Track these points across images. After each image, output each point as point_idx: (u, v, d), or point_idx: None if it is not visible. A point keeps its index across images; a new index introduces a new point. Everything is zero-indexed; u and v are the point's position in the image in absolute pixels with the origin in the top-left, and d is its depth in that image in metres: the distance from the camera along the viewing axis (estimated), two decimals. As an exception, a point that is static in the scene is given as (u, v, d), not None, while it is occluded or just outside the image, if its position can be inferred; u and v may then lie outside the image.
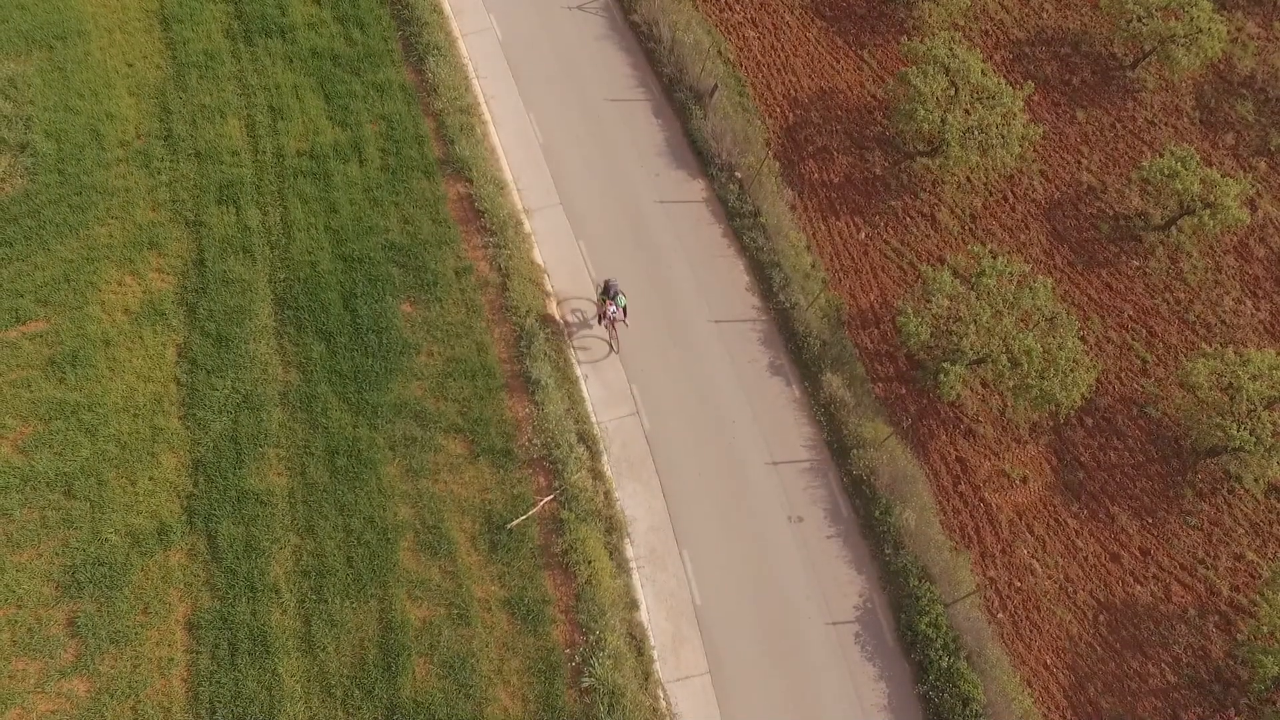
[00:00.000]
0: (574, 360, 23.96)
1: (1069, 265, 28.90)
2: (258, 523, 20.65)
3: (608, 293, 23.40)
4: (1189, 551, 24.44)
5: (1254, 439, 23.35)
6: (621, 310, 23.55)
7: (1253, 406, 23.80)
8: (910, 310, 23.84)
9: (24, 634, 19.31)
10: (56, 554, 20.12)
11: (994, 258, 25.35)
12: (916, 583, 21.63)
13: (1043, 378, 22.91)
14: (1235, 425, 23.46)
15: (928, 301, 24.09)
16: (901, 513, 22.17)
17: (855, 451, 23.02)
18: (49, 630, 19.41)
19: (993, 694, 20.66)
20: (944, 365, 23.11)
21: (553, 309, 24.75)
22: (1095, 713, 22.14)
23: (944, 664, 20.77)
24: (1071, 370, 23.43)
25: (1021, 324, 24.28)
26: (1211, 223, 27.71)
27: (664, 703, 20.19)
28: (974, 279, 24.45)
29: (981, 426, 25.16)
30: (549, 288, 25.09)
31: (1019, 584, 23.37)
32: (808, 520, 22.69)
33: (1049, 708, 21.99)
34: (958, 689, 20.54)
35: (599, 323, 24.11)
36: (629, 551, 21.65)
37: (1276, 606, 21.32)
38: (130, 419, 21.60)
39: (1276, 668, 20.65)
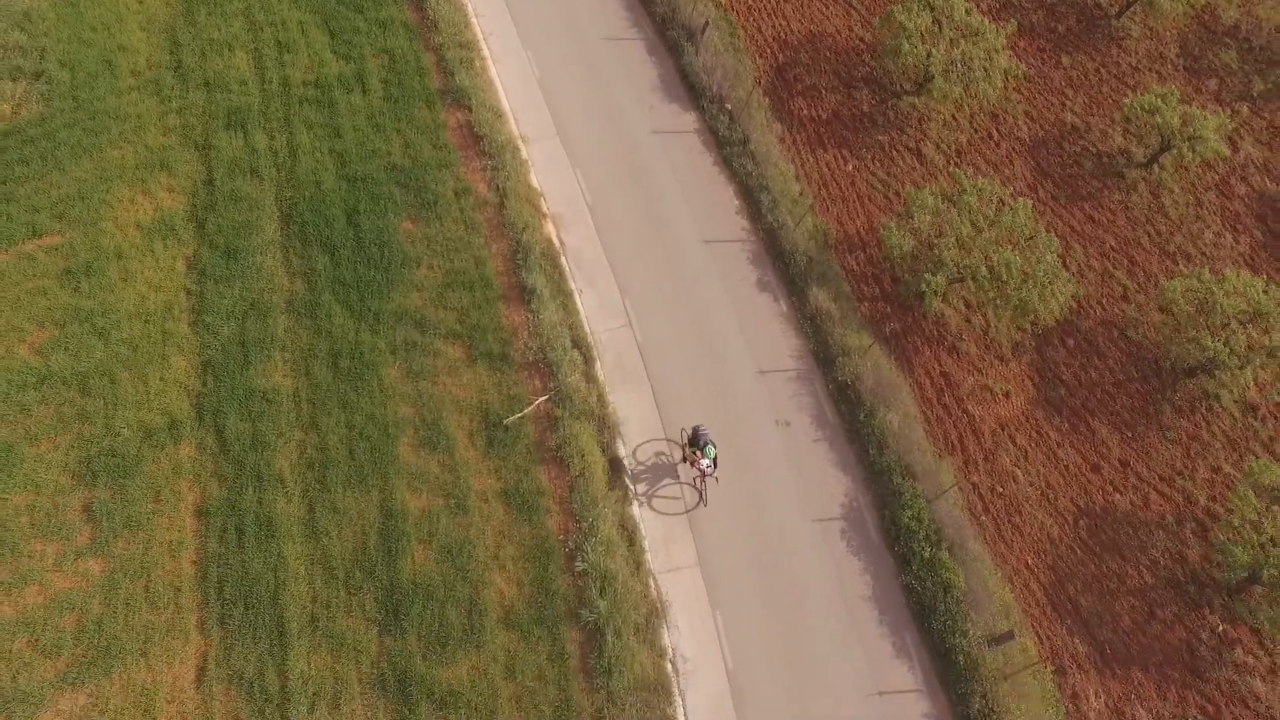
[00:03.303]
0: (569, 274, 24.77)
1: (1052, 199, 29.68)
2: (264, 419, 21.51)
3: (697, 442, 21.49)
4: (1167, 463, 25.14)
5: (1228, 349, 24.07)
6: (712, 462, 21.30)
7: (1226, 320, 24.54)
8: (894, 225, 24.66)
9: (42, 518, 20.17)
10: (72, 446, 21.00)
11: (975, 180, 26.16)
12: (900, 480, 22.39)
13: (1021, 288, 23.68)
14: (1209, 337, 24.20)
15: (911, 218, 24.90)
16: (885, 415, 22.94)
17: (840, 360, 23.82)
18: (65, 515, 20.27)
19: (973, 583, 21.39)
20: (926, 277, 23.91)
21: (549, 230, 25.58)
22: (1074, 610, 22.83)
23: (926, 554, 21.52)
24: (1050, 283, 24.22)
25: (1001, 240, 25.07)
26: (1191, 155, 28.48)
27: (654, 590, 20.96)
28: (956, 197, 25.26)
29: (965, 344, 25.92)
30: (545, 209, 25.95)
31: (1001, 489, 24.09)
32: (795, 425, 23.48)
33: (1029, 604, 22.69)
34: (939, 578, 21.29)
35: (691, 466, 21.87)
36: (621, 449, 22.45)
37: (1248, 501, 21.99)
38: (142, 324, 22.49)
39: (1247, 556, 21.32)
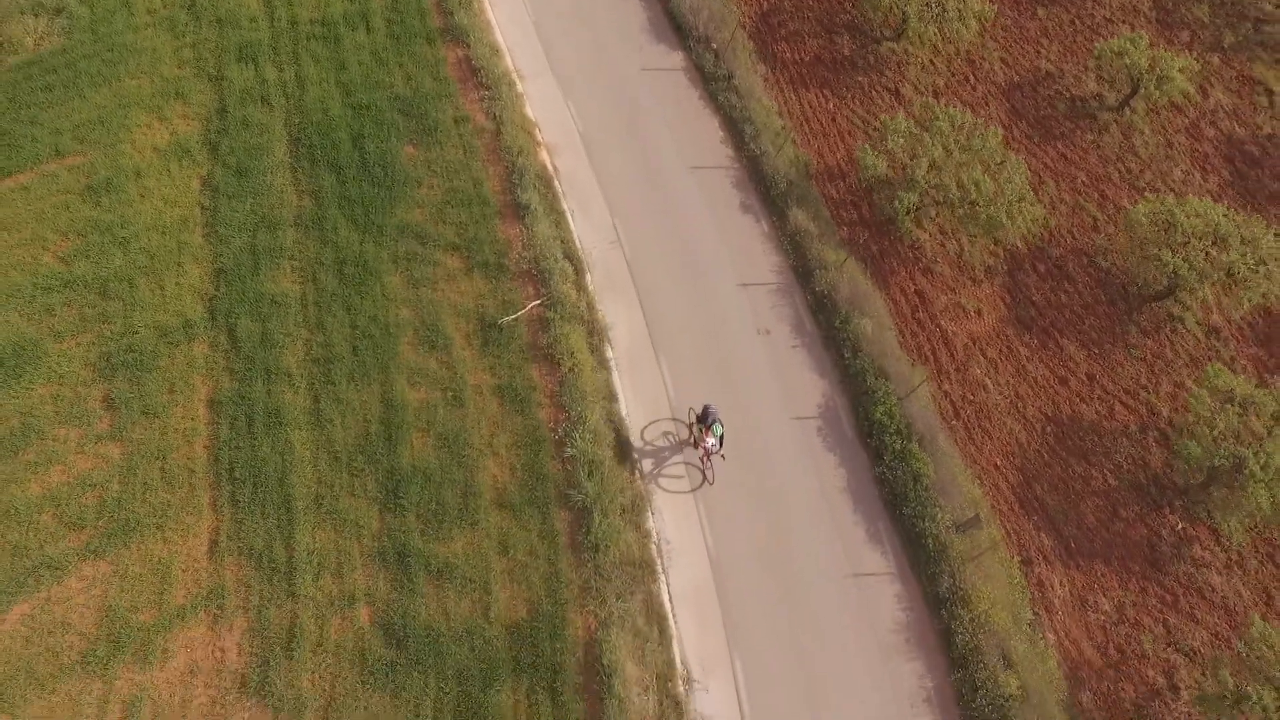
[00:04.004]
0: (561, 196, 26.12)
1: (1026, 138, 30.97)
2: (273, 319, 22.85)
3: (705, 420, 21.66)
4: (1132, 378, 26.34)
5: (1187, 265, 25.30)
6: (719, 441, 21.61)
7: (1186, 239, 25.77)
8: (869, 148, 25.98)
9: (65, 407, 21.51)
10: (93, 343, 22.37)
11: (947, 108, 27.48)
12: (873, 380, 23.65)
13: (990, 206, 24.94)
14: (1169, 253, 25.44)
15: (885, 141, 26.22)
16: (860, 322, 24.22)
17: (818, 273, 25.12)
18: (87, 404, 21.61)
19: (942, 475, 22.60)
20: (899, 194, 25.21)
21: (543, 157, 26.95)
22: (1041, 508, 24.02)
23: (897, 446, 22.75)
24: (1017, 202, 25.49)
25: (971, 164, 26.30)
26: (1159, 94, 29.79)
27: (639, 479, 22.19)
28: (929, 124, 26.59)
29: (939, 267, 27.20)
30: (539, 138, 27.33)
31: (972, 398, 25.31)
32: (775, 333, 24.76)
33: (998, 501, 23.87)
34: (910, 468, 22.51)
35: (695, 448, 22.26)
36: (609, 353, 23.75)
37: (1202, 401, 23.18)
38: (159, 235, 23.87)
39: (1200, 450, 22.50)
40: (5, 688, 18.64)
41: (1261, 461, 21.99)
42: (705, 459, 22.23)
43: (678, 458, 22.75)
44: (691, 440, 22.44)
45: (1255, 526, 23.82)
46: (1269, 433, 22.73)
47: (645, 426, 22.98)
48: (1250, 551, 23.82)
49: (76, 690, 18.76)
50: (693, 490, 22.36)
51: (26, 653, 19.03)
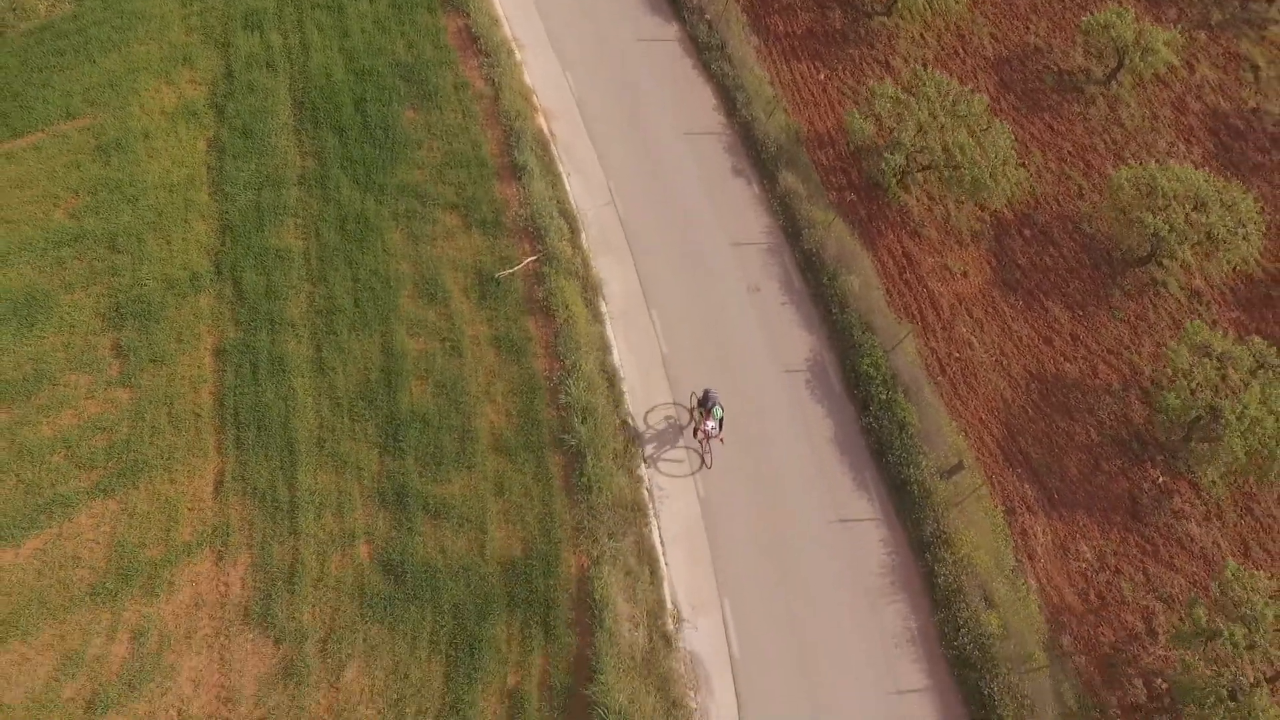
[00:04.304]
0: (558, 159, 26.82)
1: (1014, 109, 31.63)
2: (277, 272, 23.57)
3: (705, 404, 21.78)
4: (1115, 338, 26.96)
5: (1167, 226, 25.92)
6: (718, 424, 21.72)
7: (1167, 202, 26.40)
8: (857, 112, 26.66)
9: (76, 354, 22.23)
10: (103, 294, 23.10)
11: (934, 74, 28.16)
12: (860, 335, 24.30)
13: (974, 168, 25.58)
14: (1150, 215, 26.07)
15: (873, 106, 26.91)
16: (847, 278, 24.88)
17: (806, 232, 25.80)
18: (97, 352, 22.33)
19: (927, 424, 23.23)
20: (886, 156, 25.88)
21: (540, 122, 27.66)
22: (1025, 460, 24.62)
23: (883, 397, 23.39)
24: (1002, 165, 26.13)
25: (957, 129, 26.93)
26: (1143, 64, 30.46)
27: (633, 426, 22.84)
28: (915, 90, 27.26)
29: (926, 230, 27.85)
30: (537, 104, 28.06)
31: (958, 355, 25.93)
32: (764, 290, 25.42)
33: (982, 453, 24.47)
34: (895, 417, 23.15)
35: (694, 435, 22.45)
36: (603, 307, 24.43)
37: (1181, 355, 23.78)
38: (166, 193, 24.60)
39: (1177, 401, 23.10)
40: (19, 616, 19.32)
41: (1237, 412, 22.62)
42: (704, 442, 22.43)
43: (679, 441, 23.12)
44: (692, 424, 22.71)
45: (1233, 479, 24.41)
46: (1244, 385, 23.37)
47: (648, 411, 23.27)
48: (1229, 504, 24.41)
49: (86, 620, 19.44)
50: (692, 474, 22.61)
51: (39, 584, 19.72)
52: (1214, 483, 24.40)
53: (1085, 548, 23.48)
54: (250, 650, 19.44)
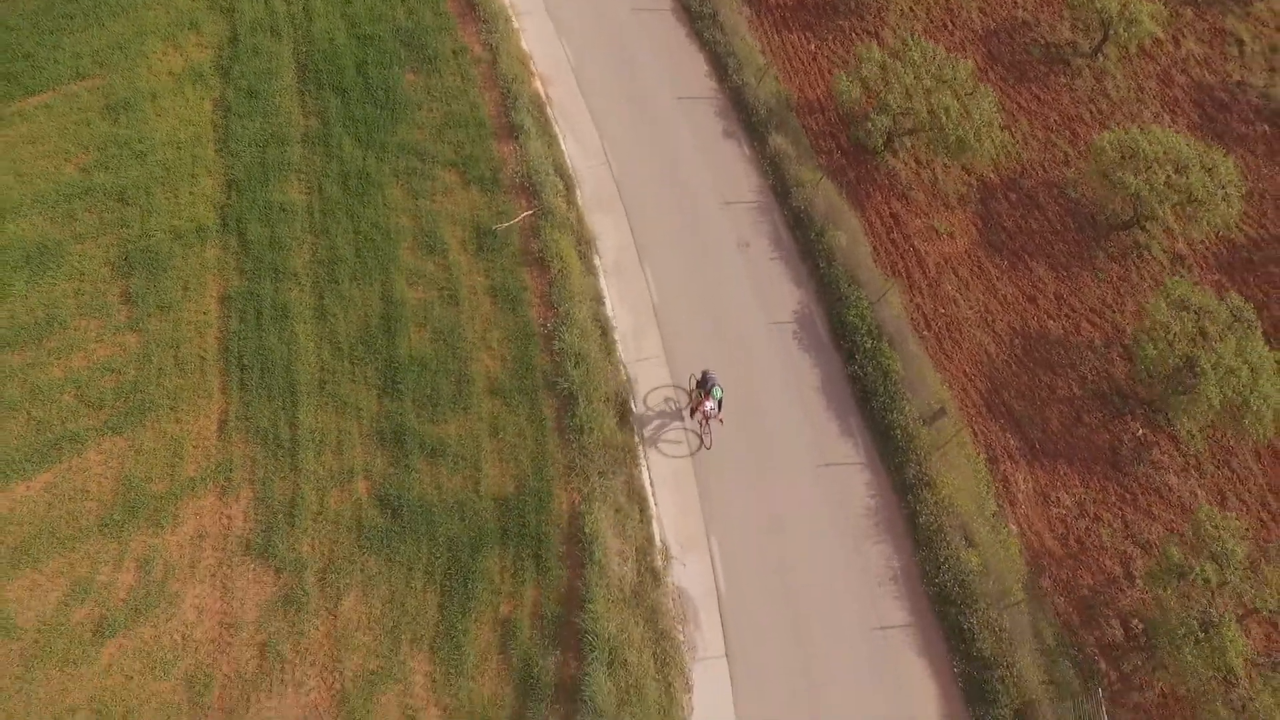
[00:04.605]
0: (554, 121, 27.55)
1: (1001, 80, 32.29)
2: (281, 225, 24.30)
3: (704, 385, 21.96)
4: (1098, 298, 27.57)
5: (1148, 187, 26.54)
6: (718, 405, 21.87)
7: (1149, 164, 27.02)
8: (844, 75, 27.35)
9: (86, 300, 22.97)
10: (112, 245, 23.84)
11: (920, 39, 28.84)
12: (846, 287, 24.95)
13: (958, 127, 26.24)
14: (1132, 176, 26.69)
15: (860, 69, 27.61)
16: (834, 234, 25.54)
17: (795, 190, 26.49)
18: (106, 298, 23.06)
19: (910, 373, 23.87)
20: (872, 117, 26.57)
21: (537, 85, 28.40)
22: (1008, 412, 25.24)
23: (868, 346, 24.03)
24: (986, 126, 26.78)
25: (942, 92, 27.57)
26: (1127, 35, 31.12)
27: (624, 373, 23.52)
28: (902, 54, 27.94)
29: (914, 193, 28.50)
30: (534, 69, 28.81)
31: (943, 311, 26.57)
32: (754, 246, 26.11)
33: (966, 404, 25.09)
34: (880, 365, 23.79)
35: (691, 416, 22.72)
36: (597, 261, 25.12)
37: (1159, 308, 24.40)
38: (174, 150, 25.36)
39: (1155, 351, 23.71)
40: (30, 546, 20.03)
41: (1212, 361, 23.24)
42: (704, 423, 22.66)
43: (677, 423, 23.43)
44: (691, 405, 22.96)
45: (1211, 432, 25.00)
46: (1221, 338, 23.98)
47: (648, 393, 23.56)
48: (1207, 457, 25.00)
49: (94, 550, 20.15)
50: (690, 455, 22.90)
51: (49, 516, 20.42)
52: (1192, 435, 25.00)
53: (1065, 496, 24.08)
54: (251, 580, 20.13)
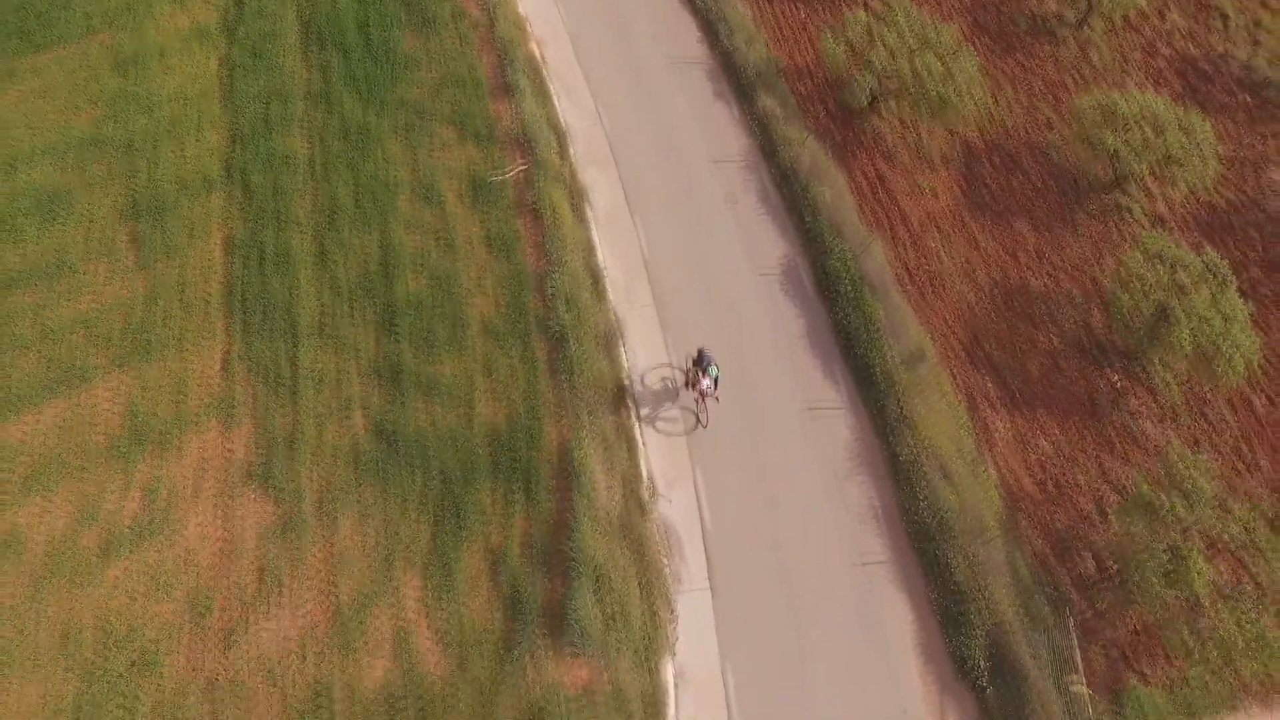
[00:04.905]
0: (548, 81, 28.38)
1: (987, 49, 33.03)
2: (284, 175, 25.18)
3: (700, 363, 22.31)
4: (1078, 255, 28.24)
5: (1126, 145, 27.26)
6: (714, 382, 22.31)
7: (1127, 123, 27.73)
8: (829, 34, 28.16)
9: (95, 245, 23.84)
10: (120, 193, 24.75)
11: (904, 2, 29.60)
12: (830, 239, 25.71)
13: (942, 86, 26.99)
14: (1111, 135, 27.41)
15: (844, 31, 28.42)
16: (819, 189, 26.32)
17: (783, 149, 27.29)
18: (114, 243, 23.94)
19: (892, 319, 24.59)
20: (857, 77, 27.34)
21: (533, 48, 29.26)
22: (988, 361, 25.90)
23: (850, 293, 24.76)
24: (969, 87, 27.53)
25: (925, 51, 28.29)
26: (1111, 6, 31.92)
27: (614, 318, 24.28)
28: (887, 17, 28.72)
29: (899, 154, 29.26)
30: (530, 32, 29.69)
31: (926, 264, 27.27)
32: (742, 202, 26.89)
33: (947, 353, 25.73)
34: (862, 311, 24.52)
35: (690, 389, 22.92)
36: (589, 213, 25.92)
37: (1135, 259, 25.08)
38: (181, 105, 26.26)
39: (1130, 300, 24.41)
40: (40, 474, 20.84)
41: (1185, 307, 23.91)
42: (700, 400, 22.96)
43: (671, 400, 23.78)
44: (687, 383, 23.24)
45: (1188, 383, 25.64)
46: (1194, 287, 24.65)
47: (645, 372, 23.94)
48: (1183, 407, 25.64)
49: (101, 478, 20.94)
50: (686, 434, 23.08)
51: (59, 446, 21.23)
52: (1169, 385, 25.65)
53: (1043, 440, 24.74)
54: (251, 507, 20.91)
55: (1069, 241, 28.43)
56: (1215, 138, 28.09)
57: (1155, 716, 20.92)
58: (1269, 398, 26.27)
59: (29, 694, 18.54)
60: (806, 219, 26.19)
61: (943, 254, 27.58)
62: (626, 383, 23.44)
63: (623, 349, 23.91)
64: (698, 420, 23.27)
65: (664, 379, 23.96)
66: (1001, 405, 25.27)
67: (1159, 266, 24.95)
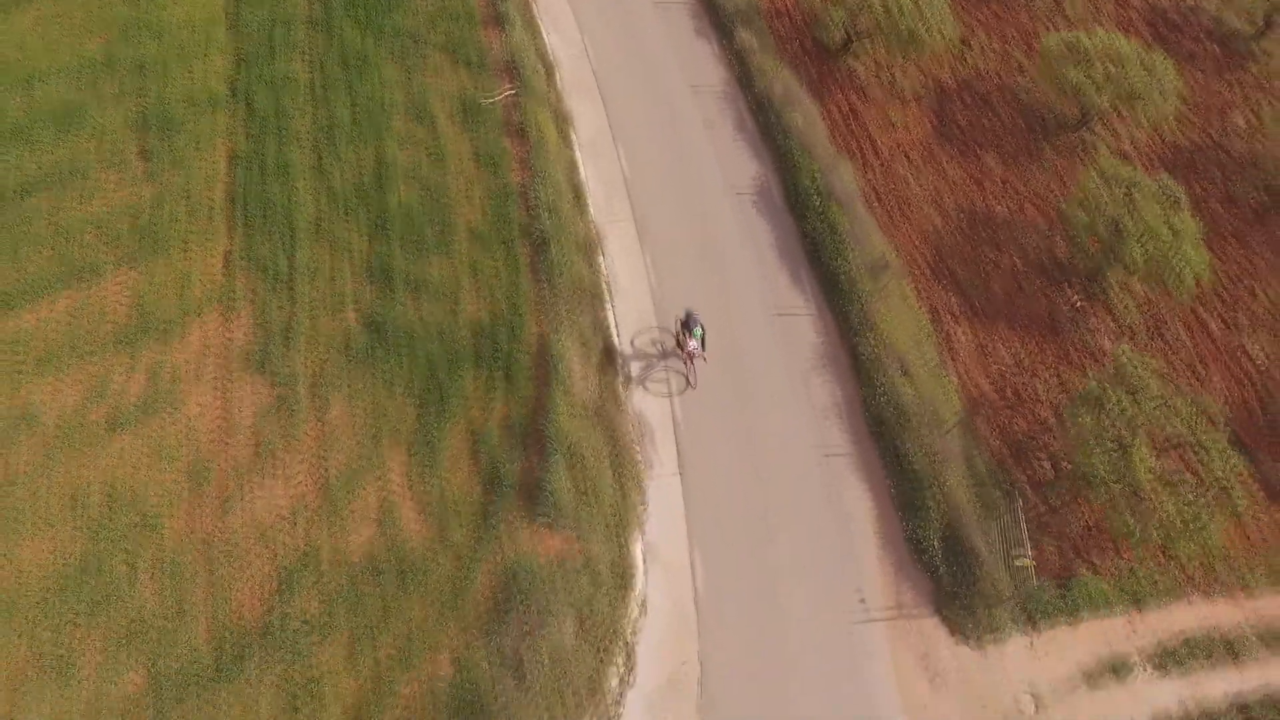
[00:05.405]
0: (538, 16, 29.88)
1: (962, 1, 34.37)
2: (285, 95, 26.70)
3: (688, 325, 23.06)
4: (1044, 186, 29.45)
5: (1089, 80, 28.49)
6: (700, 343, 23.13)
7: (1091, 59, 28.96)
8: (805, -27, 29.65)
9: (107, 155, 25.33)
10: (131, 109, 26.26)
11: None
12: (800, 158, 27.03)
13: (911, 19, 28.32)
14: (1074, 69, 28.66)
15: (821, -31, 29.91)
16: (791, 114, 27.68)
17: (759, 79, 28.67)
18: (125, 154, 25.44)
19: (858, 231, 25.85)
20: (831, 11, 28.72)
21: None
22: (952, 278, 27.10)
23: (818, 205, 26.08)
24: (939, 23, 28.85)
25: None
26: (1082, -41, 33.18)
27: (594, 229, 25.65)
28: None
29: (872, 90, 30.59)
30: (523, -26, 31.35)
31: (894, 189, 28.54)
32: (719, 127, 28.30)
33: (913, 271, 26.95)
34: (828, 221, 25.85)
35: (680, 350, 23.51)
36: (573, 136, 27.34)
37: (1091, 178, 26.29)
38: (189, 31, 27.84)
39: (1085, 218, 25.61)
40: (53, 356, 22.25)
41: (1137, 222, 25.09)
42: (688, 361, 23.67)
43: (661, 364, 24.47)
44: (677, 345, 23.97)
45: (1146, 306, 26.76)
46: (1146, 205, 25.82)
47: (634, 335, 24.47)
48: (1141, 326, 26.78)
49: (110, 360, 22.35)
50: (678, 394, 23.66)
51: (70, 332, 22.66)
52: (1127, 307, 26.79)
53: (1004, 352, 25.93)
54: (249, 389, 22.29)
55: (1035, 174, 29.66)
56: (1177, 76, 29.32)
57: (1101, 601, 22.05)
58: (1224, 321, 27.44)
59: (41, 549, 19.92)
60: (779, 141, 27.55)
61: (911, 180, 28.85)
62: (604, 285, 24.77)
63: (602, 258, 25.25)
64: (687, 381, 23.76)
65: (654, 341, 24.40)
66: (964, 318, 26.46)
67: (1114, 187, 26.17)
